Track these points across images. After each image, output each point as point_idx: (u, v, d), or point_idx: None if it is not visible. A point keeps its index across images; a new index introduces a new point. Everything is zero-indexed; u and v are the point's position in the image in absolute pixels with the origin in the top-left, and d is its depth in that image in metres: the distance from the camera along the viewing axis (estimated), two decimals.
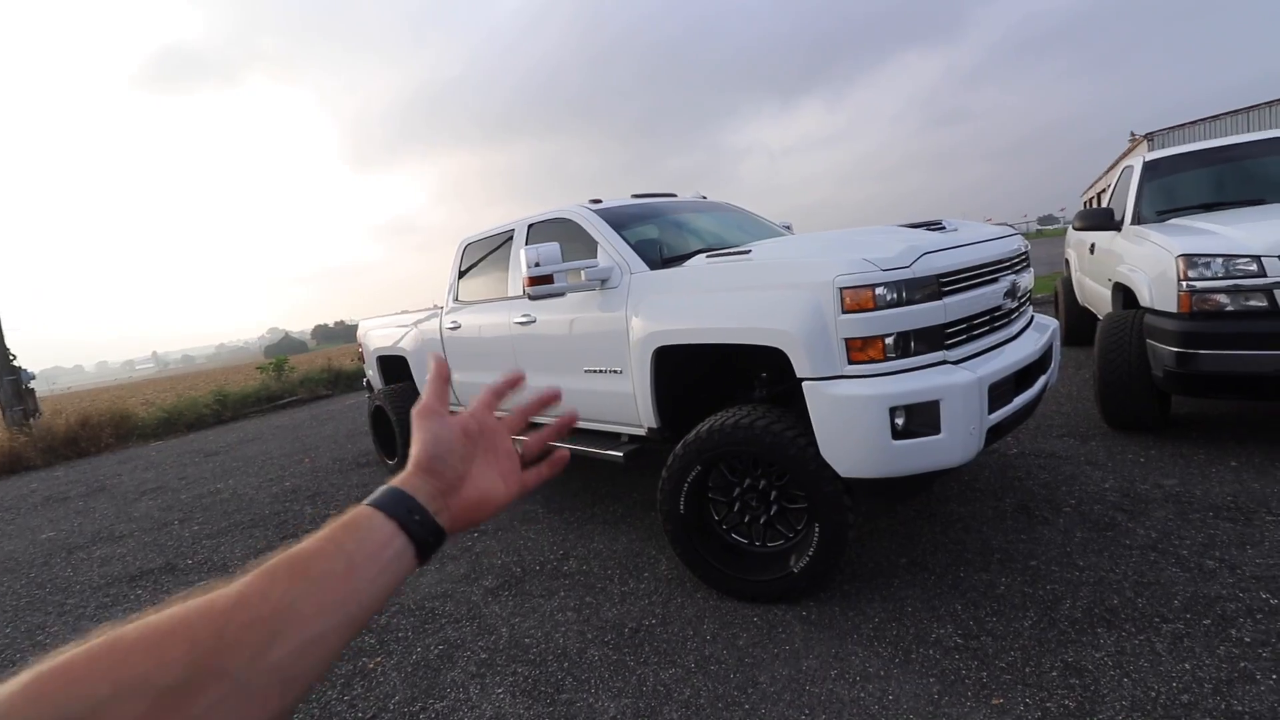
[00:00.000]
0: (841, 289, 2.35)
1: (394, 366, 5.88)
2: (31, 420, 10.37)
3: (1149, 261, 3.81)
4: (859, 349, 2.37)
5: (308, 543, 0.49)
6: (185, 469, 7.61)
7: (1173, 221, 4.11)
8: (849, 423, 2.35)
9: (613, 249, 3.44)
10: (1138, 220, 4.46)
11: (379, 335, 6.06)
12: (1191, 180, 4.66)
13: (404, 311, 5.83)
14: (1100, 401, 4.08)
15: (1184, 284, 3.38)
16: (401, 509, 0.54)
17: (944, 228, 2.91)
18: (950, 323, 2.44)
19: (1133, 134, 24.39)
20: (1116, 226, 4.69)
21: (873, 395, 2.30)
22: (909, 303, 2.35)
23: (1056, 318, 7.60)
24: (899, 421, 2.31)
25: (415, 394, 5.46)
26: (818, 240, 2.97)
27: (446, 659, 2.64)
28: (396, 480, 0.57)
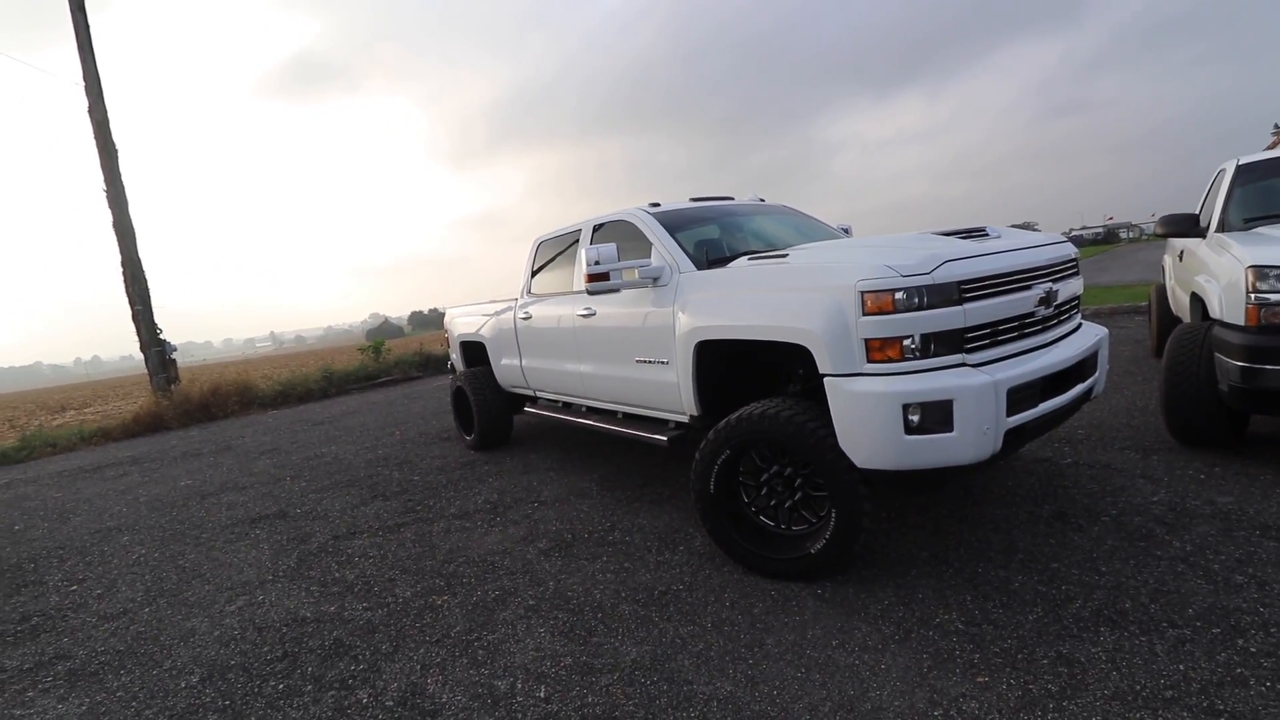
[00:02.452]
0: (863, 292, 2.54)
1: (475, 351, 6.45)
2: (172, 387, 11.91)
3: (1223, 271, 3.67)
4: (878, 349, 2.55)
5: None
6: (296, 434, 8.59)
7: (1257, 230, 3.91)
8: (865, 417, 2.54)
9: (664, 249, 3.74)
10: (1224, 227, 4.26)
11: (462, 323, 6.65)
12: None
13: (486, 301, 6.37)
14: (1166, 415, 3.96)
15: (1253, 296, 3.27)
16: None
17: (985, 234, 3.01)
18: (971, 327, 2.57)
19: (1277, 126, 21.91)
20: (1202, 233, 4.47)
21: (887, 392, 2.48)
22: (928, 307, 2.50)
23: (1149, 326, 7.19)
24: (913, 418, 2.47)
25: (492, 378, 6.00)
26: (854, 246, 3.14)
27: (501, 602, 3.05)
28: None
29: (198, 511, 5.33)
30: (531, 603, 3.01)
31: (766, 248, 3.93)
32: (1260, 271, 3.26)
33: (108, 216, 11.32)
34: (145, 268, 11.61)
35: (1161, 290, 6.60)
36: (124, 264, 11.42)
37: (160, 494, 6.12)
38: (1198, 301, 4.21)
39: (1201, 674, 2.03)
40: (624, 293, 3.90)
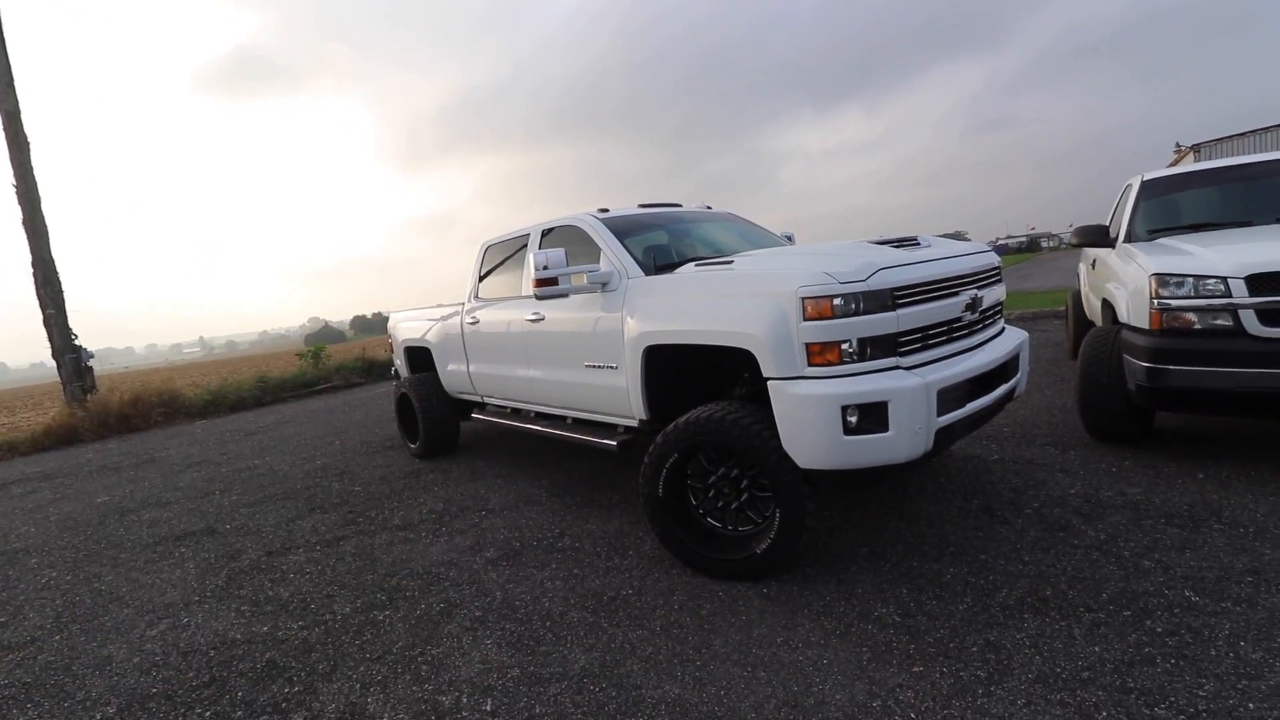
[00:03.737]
0: (803, 298, 2.62)
1: (420, 357, 6.29)
2: (89, 396, 11.14)
3: (1129, 278, 3.96)
4: (818, 353, 2.63)
5: None
6: (227, 446, 8.17)
7: (1159, 241, 4.23)
8: (806, 419, 2.61)
9: (613, 255, 3.75)
10: (1130, 238, 4.59)
11: (407, 328, 6.49)
12: (1188, 200, 4.76)
13: (432, 306, 6.23)
14: (1081, 413, 4.23)
15: (1156, 301, 3.54)
16: None
17: (917, 244, 3.15)
18: (904, 332, 2.68)
19: (1178, 145, 23.74)
20: (1111, 243, 4.81)
21: (827, 394, 2.56)
22: (864, 312, 2.60)
23: (1066, 330, 7.67)
24: (851, 419, 2.56)
25: (438, 384, 5.87)
26: (795, 253, 3.23)
27: (446, 615, 2.98)
28: None
29: (116, 530, 5.00)
30: (478, 614, 2.95)
31: (713, 254, 4.00)
32: (1162, 279, 3.53)
33: (17, 213, 10.51)
34: (60, 269, 10.83)
35: (1077, 296, 7.05)
36: (35, 264, 10.63)
37: (74, 512, 5.71)
38: (1108, 306, 4.52)
39: (1115, 654, 2.17)
40: (573, 298, 3.89)
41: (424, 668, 2.58)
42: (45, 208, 10.71)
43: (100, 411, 10.53)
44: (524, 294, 4.54)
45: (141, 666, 2.88)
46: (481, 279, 5.28)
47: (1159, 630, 2.27)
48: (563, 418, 4.38)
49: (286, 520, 4.69)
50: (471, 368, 5.33)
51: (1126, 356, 3.81)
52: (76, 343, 11.10)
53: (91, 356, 11.52)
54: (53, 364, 11.22)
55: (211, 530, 4.68)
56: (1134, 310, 3.79)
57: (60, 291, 10.83)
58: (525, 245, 4.68)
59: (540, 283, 3.66)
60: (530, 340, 4.39)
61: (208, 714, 2.45)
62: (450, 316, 5.63)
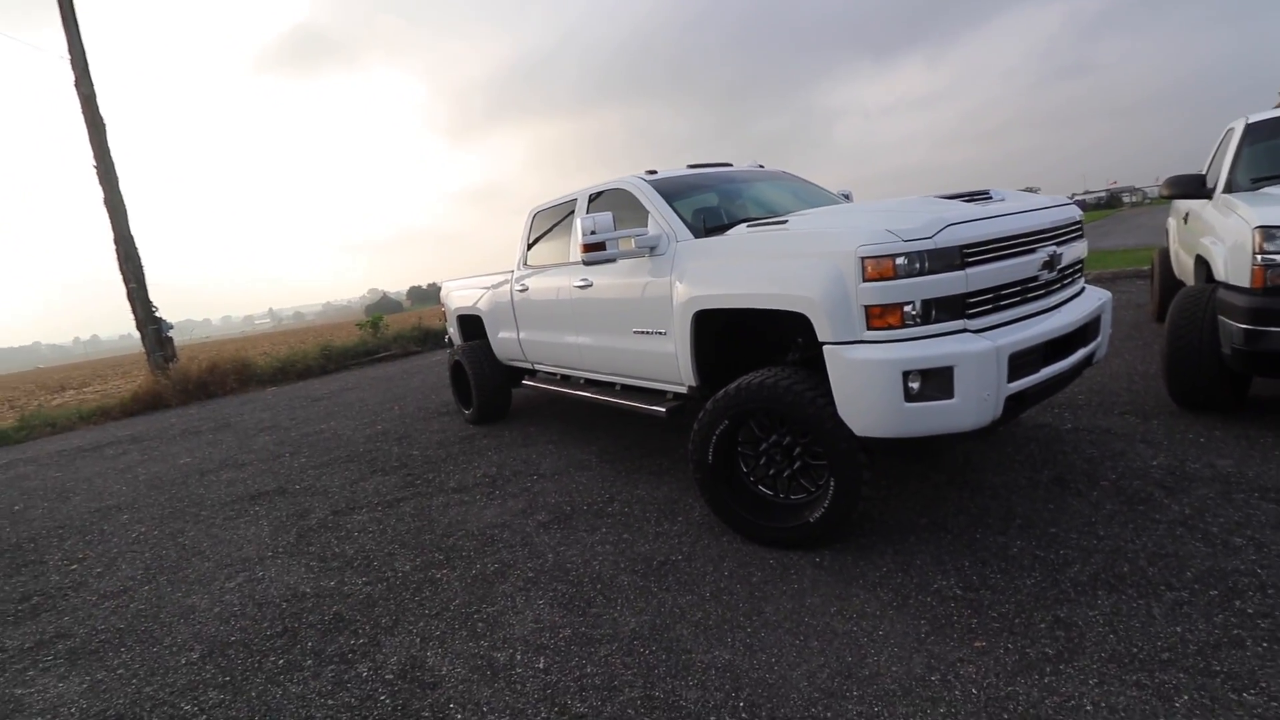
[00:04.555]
0: (863, 258, 2.48)
1: (472, 325, 6.39)
2: (170, 365, 11.87)
3: (1229, 232, 3.60)
4: (878, 315, 2.50)
5: None
6: (295, 411, 8.58)
7: (1265, 190, 3.82)
8: (864, 385, 2.50)
9: (661, 218, 3.66)
10: (1230, 188, 4.17)
11: (459, 296, 6.58)
12: None
13: (482, 274, 6.29)
14: (1167, 379, 3.93)
15: (1259, 257, 3.21)
16: None
17: (989, 198, 2.94)
18: (973, 292, 2.52)
19: None
20: (1208, 194, 4.39)
21: (886, 359, 2.43)
22: (930, 272, 2.44)
23: (1150, 290, 7.13)
24: (913, 385, 2.44)
25: (490, 351, 5.96)
26: (855, 210, 3.07)
27: (500, 575, 3.05)
28: None
29: (197, 489, 5.33)
30: (530, 575, 3.01)
31: (766, 214, 3.85)
32: (1268, 232, 3.19)
33: (99, 193, 11.14)
34: (139, 245, 11.47)
35: (1165, 254, 6.52)
36: (116, 241, 11.28)
37: (160, 472, 6.12)
38: (1202, 264, 4.14)
39: (1198, 635, 2.02)
40: (620, 263, 3.84)
41: (480, 625, 2.65)
42: (124, 186, 11.29)
43: (181, 379, 11.22)
44: (572, 260, 4.50)
45: (221, 616, 3.07)
46: (530, 246, 5.28)
47: (1250, 612, 2.11)
48: (611, 384, 4.37)
49: (351, 481, 4.89)
50: (522, 335, 5.37)
51: (1222, 317, 3.49)
52: (157, 315, 11.79)
53: (171, 328, 12.22)
54: (138, 335, 11.97)
55: (283, 490, 4.94)
56: (1233, 267, 3.45)
57: (140, 266, 11.48)
58: (573, 211, 4.62)
59: (587, 248, 3.61)
60: (578, 307, 4.37)
61: (280, 662, 2.59)
62: (500, 284, 5.67)
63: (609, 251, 3.64)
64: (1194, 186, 4.45)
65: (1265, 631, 2.00)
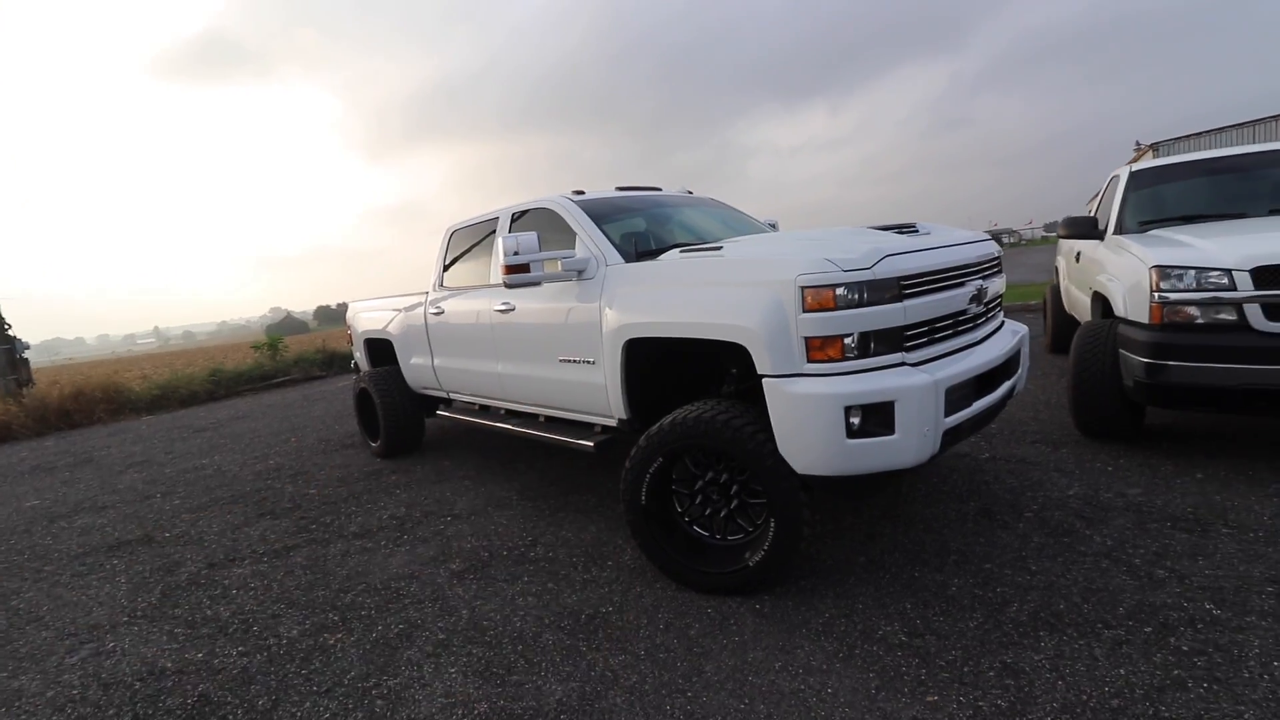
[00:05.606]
0: (803, 288, 2.38)
1: (381, 350, 5.91)
2: (24, 390, 10.41)
3: (1125, 271, 3.82)
4: (818, 348, 2.39)
5: None
6: (173, 444, 7.65)
7: (1153, 232, 4.12)
8: (805, 420, 2.38)
9: (590, 240, 3.46)
10: (1120, 230, 4.47)
11: (367, 318, 6.09)
12: (1177, 191, 4.66)
13: (394, 295, 5.85)
14: (1074, 410, 4.11)
15: (1156, 295, 3.40)
16: None
17: (916, 230, 2.93)
18: (911, 325, 2.46)
19: (1138, 144, 24.29)
20: (1100, 235, 4.70)
21: (829, 394, 2.32)
22: (869, 303, 2.37)
23: (1044, 324, 7.64)
24: (854, 421, 2.34)
25: (400, 378, 5.51)
26: (789, 239, 2.99)
27: (405, 638, 2.68)
28: None
29: (43, 538, 4.54)
30: (442, 637, 2.66)
31: (696, 240, 3.74)
32: (1163, 271, 3.39)
33: None
34: None
35: (1055, 290, 7.00)
36: None
37: None
38: (1099, 300, 4.40)
39: (1142, 678, 1.99)
40: (546, 286, 3.60)
41: (379, 703, 2.28)
42: None
43: (37, 407, 9.84)
44: (493, 282, 4.22)
45: (55, 702, 2.52)
46: (447, 267, 4.94)
47: (1185, 649, 2.11)
48: (535, 416, 4.09)
49: (232, 527, 4.31)
50: (436, 361, 4.98)
51: (1123, 352, 3.68)
52: (9, 333, 10.34)
53: (27, 348, 10.77)
54: None
55: (149, 539, 4.28)
56: (1132, 304, 3.66)
57: None
58: (494, 230, 4.35)
59: (510, 269, 3.34)
60: (499, 332, 4.08)
61: None
62: (413, 307, 5.27)
63: (533, 274, 3.39)
64: (1088, 228, 4.76)
65: (1203, 671, 1.99)
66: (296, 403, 10.05)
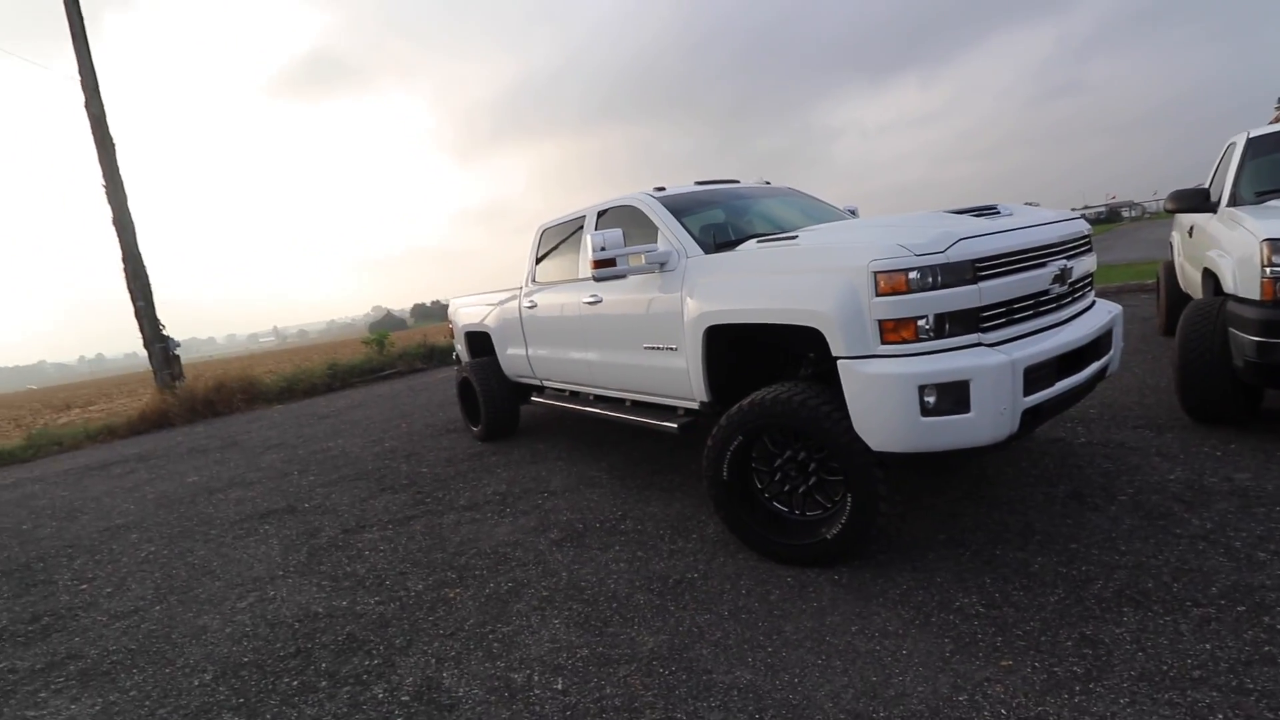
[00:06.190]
0: (875, 273, 2.49)
1: (480, 342, 6.40)
2: (177, 383, 11.90)
3: (1237, 245, 3.61)
4: (892, 330, 2.50)
5: None
6: (302, 429, 8.58)
7: (1270, 204, 3.84)
8: (879, 399, 2.50)
9: (671, 234, 3.68)
10: (1235, 201, 4.18)
11: (466, 313, 6.61)
12: None
13: (490, 291, 6.31)
14: (1180, 392, 3.92)
15: (1268, 270, 3.21)
16: None
17: (997, 212, 2.95)
18: (986, 306, 2.52)
19: None
20: (1213, 208, 4.40)
21: (902, 374, 2.43)
22: (943, 286, 2.45)
23: (1157, 304, 7.12)
24: (929, 400, 2.43)
25: (498, 368, 5.97)
26: (863, 225, 3.08)
27: (514, 594, 3.03)
28: None
29: (205, 507, 5.32)
30: (545, 594, 2.99)
31: (774, 230, 3.87)
32: (1276, 245, 3.20)
33: (107, 212, 11.24)
34: (146, 263, 11.55)
35: (1170, 267, 6.52)
36: (125, 260, 11.36)
37: (168, 490, 6.11)
38: (1210, 277, 4.15)
39: (1229, 653, 2.00)
40: (630, 279, 3.85)
41: (495, 645, 2.62)
42: (133, 205, 11.40)
43: (188, 397, 11.23)
44: (581, 276, 4.52)
45: (234, 636, 3.05)
46: (538, 262, 5.31)
47: (1279, 628, 2.08)
48: (621, 400, 4.37)
49: (360, 500, 4.88)
50: (530, 351, 5.38)
51: (1233, 330, 3.49)
52: (164, 333, 11.83)
53: (178, 346, 12.27)
54: (144, 354, 12.01)
55: (292, 509, 4.92)
56: (1242, 280, 3.45)
57: (148, 285, 11.55)
58: (581, 227, 4.65)
59: (598, 264, 3.63)
60: (588, 323, 4.39)
61: (295, 683, 2.57)
62: (508, 301, 5.69)
63: (619, 268, 3.65)
64: (1198, 200, 4.48)
65: None
66: (403, 393, 10.92)
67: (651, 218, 3.86)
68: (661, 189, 4.21)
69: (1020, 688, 1.97)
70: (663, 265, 3.62)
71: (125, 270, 11.41)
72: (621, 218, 4.18)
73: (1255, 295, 3.30)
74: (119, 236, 11.28)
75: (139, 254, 11.46)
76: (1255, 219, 3.50)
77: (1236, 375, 3.53)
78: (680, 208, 3.90)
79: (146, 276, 11.53)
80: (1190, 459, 3.47)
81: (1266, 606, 2.19)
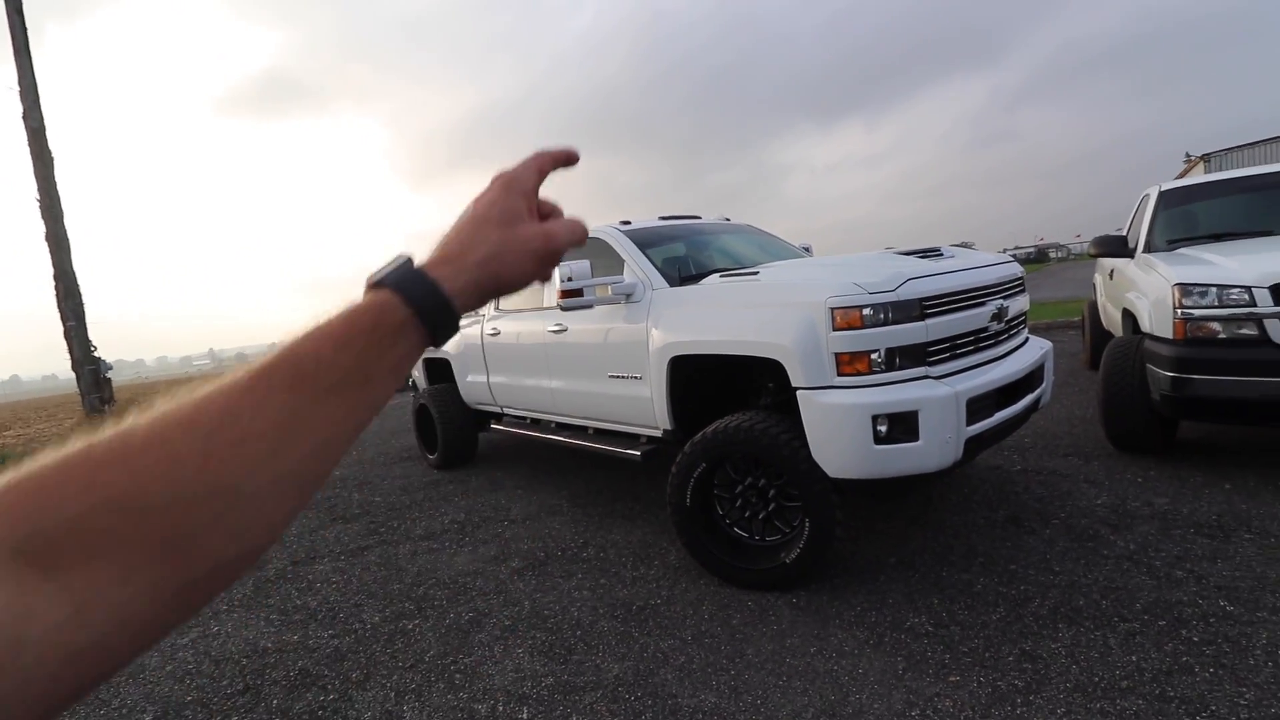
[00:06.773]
0: (833, 309, 2.65)
1: (438, 368, 6.33)
2: (107, 408, 11.27)
3: (1151, 288, 3.96)
4: (847, 362, 2.65)
5: (314, 340, 0.42)
6: None
7: (1179, 251, 4.24)
8: (836, 428, 2.64)
9: (637, 266, 3.80)
10: (1149, 248, 4.60)
11: None
12: (1206, 210, 4.77)
13: None
14: (1104, 423, 4.23)
15: (1179, 311, 3.54)
16: (425, 299, 0.46)
17: (940, 254, 3.18)
18: (932, 341, 2.71)
19: (1188, 155, 23.73)
20: (1130, 254, 4.82)
21: (857, 404, 2.58)
22: (893, 322, 2.63)
23: (1083, 340, 7.65)
24: (881, 428, 2.58)
25: (456, 395, 5.92)
26: (821, 264, 3.27)
27: (475, 624, 3.00)
28: (429, 263, 0.49)
29: None
30: (508, 623, 2.97)
31: (734, 265, 4.04)
32: (1185, 289, 3.54)
33: (39, 228, 10.70)
34: (80, 282, 11.00)
35: (1094, 306, 7.04)
36: (57, 278, 10.80)
37: None
38: (1129, 317, 4.52)
39: (1152, 664, 2.17)
40: (596, 309, 3.93)
41: (457, 676, 2.59)
42: (66, 222, 10.89)
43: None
44: (546, 305, 4.58)
45: (175, 674, 2.90)
46: None
47: (1195, 640, 2.27)
48: (584, 428, 4.41)
49: (309, 530, 4.72)
50: (492, 379, 5.37)
51: (1150, 366, 3.81)
52: (95, 355, 11.24)
53: (110, 368, 11.66)
54: (66, 376, 11.36)
55: None
56: (1157, 320, 3.80)
57: (81, 304, 10.99)
58: None
59: (565, 294, 3.70)
60: (552, 351, 4.43)
61: None
62: (469, 327, 5.68)
63: (586, 298, 3.73)
64: (1117, 246, 4.89)
65: (1210, 658, 2.16)
66: None
67: (619, 250, 3.98)
68: (627, 223, 4.34)
69: (967, 701, 2.09)
70: (629, 296, 3.72)
71: (57, 289, 10.84)
72: (589, 249, 4.27)
73: (1169, 334, 3.62)
74: (52, 254, 10.74)
75: (73, 272, 10.92)
76: (1167, 265, 3.86)
77: (1154, 408, 3.85)
78: (646, 241, 4.03)
79: (79, 296, 10.98)
80: (1115, 485, 3.74)
81: (1184, 621, 2.38)
